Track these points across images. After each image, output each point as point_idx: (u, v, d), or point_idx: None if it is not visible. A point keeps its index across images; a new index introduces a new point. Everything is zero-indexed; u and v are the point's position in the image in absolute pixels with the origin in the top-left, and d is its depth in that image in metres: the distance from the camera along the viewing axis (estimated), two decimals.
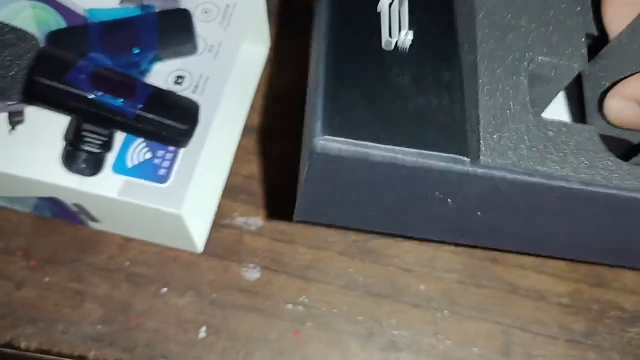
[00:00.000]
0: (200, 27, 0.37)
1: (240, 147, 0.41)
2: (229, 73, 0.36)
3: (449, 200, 0.27)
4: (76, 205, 0.36)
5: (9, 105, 0.35)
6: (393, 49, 0.27)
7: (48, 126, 0.35)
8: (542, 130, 0.26)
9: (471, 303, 0.37)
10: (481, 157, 0.25)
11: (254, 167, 0.41)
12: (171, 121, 0.32)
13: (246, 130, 0.42)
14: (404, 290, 0.38)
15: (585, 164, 0.26)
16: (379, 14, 0.28)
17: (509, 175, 0.25)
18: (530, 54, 0.28)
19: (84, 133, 0.32)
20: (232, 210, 0.39)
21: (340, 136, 0.24)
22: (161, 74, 0.36)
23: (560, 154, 0.26)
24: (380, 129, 0.24)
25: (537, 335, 0.36)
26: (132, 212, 0.34)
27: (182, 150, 0.34)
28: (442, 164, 0.25)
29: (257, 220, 0.39)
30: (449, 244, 0.38)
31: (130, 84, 0.32)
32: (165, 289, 0.38)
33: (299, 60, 0.44)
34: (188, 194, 0.33)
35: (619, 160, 0.26)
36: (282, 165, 0.41)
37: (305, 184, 0.27)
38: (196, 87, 0.36)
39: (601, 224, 0.29)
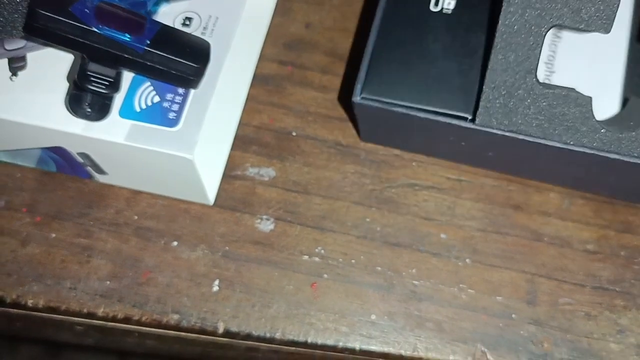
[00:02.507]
0: None
1: (250, 97, 0.40)
2: (239, 13, 0.35)
3: (462, 143, 0.34)
4: (82, 155, 0.34)
5: (9, 50, 0.34)
6: (437, 12, 0.33)
7: (52, 72, 0.33)
8: (540, 98, 0.30)
9: (494, 251, 0.36)
10: (478, 117, 0.31)
11: (265, 117, 0.39)
12: (182, 59, 0.31)
13: (256, 79, 0.40)
14: (424, 239, 0.36)
15: (570, 128, 0.30)
16: None
17: (499, 133, 0.31)
18: (552, 18, 0.30)
19: (90, 73, 0.30)
20: (243, 161, 0.38)
21: (373, 95, 0.32)
22: (168, 16, 0.34)
23: (549, 118, 0.30)
24: (405, 91, 0.32)
25: (563, 283, 0.35)
26: (141, 159, 0.33)
27: (192, 94, 0.33)
28: (447, 120, 0.31)
29: (269, 171, 0.38)
30: (469, 192, 0.37)
31: (137, 20, 0.30)
32: (175, 243, 0.36)
33: (309, 7, 0.42)
34: (199, 138, 0.32)
35: (599, 126, 0.30)
36: (294, 115, 0.39)
37: (357, 118, 0.35)
38: (205, 28, 0.34)
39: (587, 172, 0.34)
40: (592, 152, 0.31)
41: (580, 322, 0.34)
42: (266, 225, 0.37)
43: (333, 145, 0.39)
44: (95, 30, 0.29)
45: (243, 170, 0.38)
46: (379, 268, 0.36)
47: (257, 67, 0.40)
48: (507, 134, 0.31)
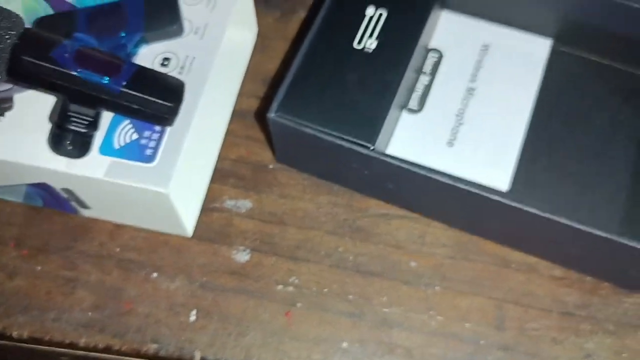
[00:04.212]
0: (186, 10, 0.37)
1: (229, 132, 0.41)
2: (215, 53, 0.37)
3: (365, 171, 0.36)
4: (65, 190, 0.36)
5: None
6: (359, 50, 0.37)
7: (37, 112, 0.35)
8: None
9: (462, 278, 0.37)
10: (374, 146, 0.34)
11: (242, 151, 0.41)
12: (156, 98, 0.32)
13: (235, 115, 0.42)
14: (395, 267, 0.37)
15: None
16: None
17: (395, 163, 0.33)
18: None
19: (70, 113, 0.32)
20: (221, 194, 0.40)
21: (287, 114, 0.35)
22: (147, 57, 0.36)
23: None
24: (316, 115, 0.35)
25: (530, 309, 0.36)
26: (120, 194, 0.35)
27: (168, 131, 0.34)
28: (349, 146, 0.34)
29: (246, 203, 0.39)
30: (440, 220, 0.38)
31: (115, 62, 0.32)
32: (155, 274, 0.38)
33: (287, 45, 0.44)
34: (175, 173, 0.33)
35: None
36: (270, 149, 0.41)
37: (272, 135, 0.38)
38: (182, 68, 0.36)
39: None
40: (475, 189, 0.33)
41: (547, 347, 0.35)
42: (242, 256, 0.38)
43: (308, 176, 0.40)
44: (75, 73, 0.31)
45: (221, 202, 0.39)
46: (351, 296, 0.37)
47: (236, 103, 0.42)
48: (401, 164, 0.33)
